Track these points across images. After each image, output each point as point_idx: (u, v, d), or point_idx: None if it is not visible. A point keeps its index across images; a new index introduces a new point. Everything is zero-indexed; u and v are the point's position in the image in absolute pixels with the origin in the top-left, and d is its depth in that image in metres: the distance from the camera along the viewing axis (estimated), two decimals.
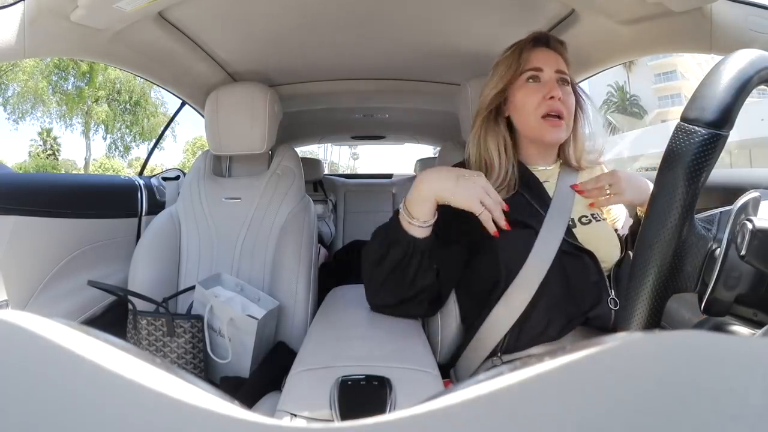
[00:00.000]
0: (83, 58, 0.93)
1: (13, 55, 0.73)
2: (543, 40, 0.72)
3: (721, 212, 0.39)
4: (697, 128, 0.34)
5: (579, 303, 0.64)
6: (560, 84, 0.70)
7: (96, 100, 17.95)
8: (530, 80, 0.70)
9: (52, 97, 17.24)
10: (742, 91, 0.34)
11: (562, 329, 0.64)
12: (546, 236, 0.64)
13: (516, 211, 0.65)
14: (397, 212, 0.65)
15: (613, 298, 0.65)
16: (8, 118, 16.68)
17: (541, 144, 0.72)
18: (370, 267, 0.66)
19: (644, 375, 0.10)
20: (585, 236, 0.67)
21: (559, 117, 0.68)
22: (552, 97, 0.68)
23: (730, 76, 0.34)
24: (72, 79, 17.29)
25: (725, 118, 0.34)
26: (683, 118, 0.35)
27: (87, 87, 17.44)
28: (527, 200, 0.68)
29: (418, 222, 0.61)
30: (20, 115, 16.92)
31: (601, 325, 0.64)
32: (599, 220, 0.70)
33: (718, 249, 0.37)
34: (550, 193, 0.70)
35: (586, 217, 0.69)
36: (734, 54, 0.35)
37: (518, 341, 0.65)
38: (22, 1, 0.71)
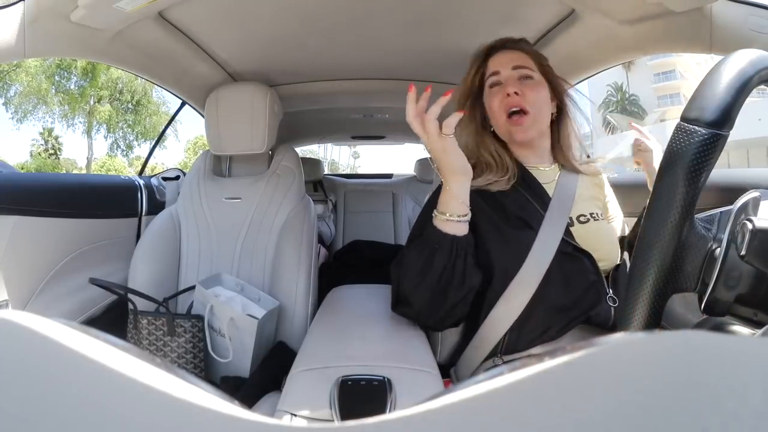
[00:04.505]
0: (83, 58, 0.93)
1: (13, 55, 0.73)
2: (497, 46, 0.74)
3: (721, 212, 0.39)
4: (697, 128, 0.34)
5: (579, 304, 0.64)
6: (521, 80, 0.70)
7: (99, 100, 17.97)
8: (493, 86, 0.72)
9: (54, 97, 17.25)
10: (742, 91, 0.34)
11: (563, 329, 0.64)
12: (545, 236, 0.64)
13: (517, 207, 0.67)
14: (425, 220, 0.63)
15: (611, 296, 0.66)
16: (11, 118, 16.72)
17: (518, 145, 0.73)
18: (415, 278, 0.63)
19: (644, 375, 0.10)
20: (583, 235, 0.67)
21: (522, 112, 0.68)
22: (509, 94, 0.68)
23: (730, 76, 0.34)
24: (75, 78, 17.31)
25: (725, 117, 0.34)
26: (683, 118, 0.35)
27: (89, 86, 17.44)
28: (527, 199, 0.69)
29: (455, 217, 0.60)
30: (23, 114, 16.95)
31: (601, 322, 0.65)
32: (597, 219, 0.71)
33: (718, 249, 0.37)
34: (550, 194, 0.70)
35: (584, 216, 0.70)
36: (734, 54, 0.35)
37: (518, 342, 0.65)
38: (22, 1, 0.71)
